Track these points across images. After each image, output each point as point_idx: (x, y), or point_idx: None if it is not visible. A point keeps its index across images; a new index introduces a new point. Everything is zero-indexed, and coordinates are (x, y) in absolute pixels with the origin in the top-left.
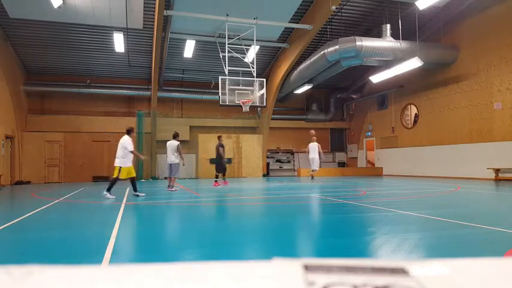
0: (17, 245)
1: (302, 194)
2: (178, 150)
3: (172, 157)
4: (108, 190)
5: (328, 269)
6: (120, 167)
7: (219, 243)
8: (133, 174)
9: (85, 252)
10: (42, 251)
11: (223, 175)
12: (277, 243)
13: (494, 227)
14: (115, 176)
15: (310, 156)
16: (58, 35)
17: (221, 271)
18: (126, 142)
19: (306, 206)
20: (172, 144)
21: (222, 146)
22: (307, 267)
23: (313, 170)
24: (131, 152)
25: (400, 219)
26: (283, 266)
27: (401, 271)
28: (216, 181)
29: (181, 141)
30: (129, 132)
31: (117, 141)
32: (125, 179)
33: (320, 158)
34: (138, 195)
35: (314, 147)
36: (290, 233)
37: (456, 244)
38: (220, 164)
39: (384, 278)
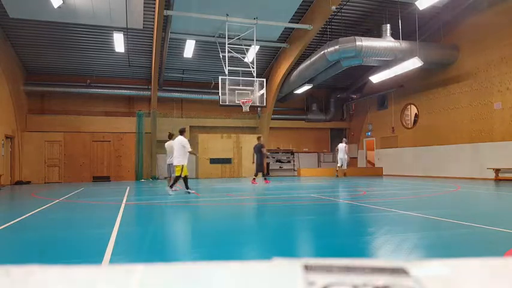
0: (17, 245)
1: (302, 194)
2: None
3: (171, 157)
4: (171, 186)
5: (328, 269)
6: (183, 165)
7: (219, 243)
8: (187, 173)
9: (85, 252)
10: (42, 251)
11: (256, 175)
12: (277, 243)
13: (494, 227)
14: (178, 174)
15: (339, 156)
16: (58, 35)
17: (221, 271)
18: (184, 142)
19: (307, 206)
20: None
21: (263, 146)
22: (307, 267)
23: (339, 167)
24: (190, 152)
25: (400, 219)
26: (283, 266)
27: (401, 271)
28: (265, 179)
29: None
30: (182, 132)
31: (117, 141)
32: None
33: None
34: (189, 193)
35: (343, 148)
36: (291, 233)
37: (456, 244)
38: (261, 164)
39: (384, 278)
